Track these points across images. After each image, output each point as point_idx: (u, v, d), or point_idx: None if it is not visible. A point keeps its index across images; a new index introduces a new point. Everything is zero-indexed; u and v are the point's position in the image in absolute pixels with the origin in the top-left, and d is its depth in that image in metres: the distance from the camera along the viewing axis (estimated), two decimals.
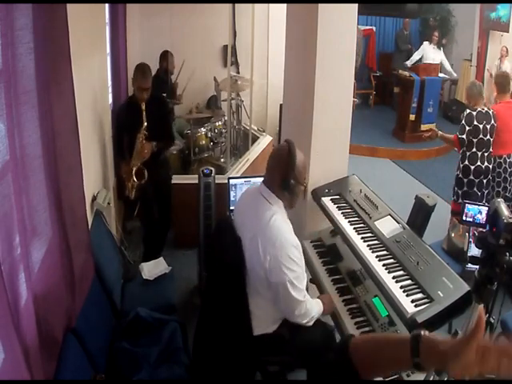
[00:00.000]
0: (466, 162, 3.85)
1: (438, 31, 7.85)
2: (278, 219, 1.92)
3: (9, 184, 1.39)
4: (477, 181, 3.86)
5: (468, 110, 3.83)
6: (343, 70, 2.87)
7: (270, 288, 1.93)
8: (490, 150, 3.85)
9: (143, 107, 3.26)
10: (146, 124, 3.27)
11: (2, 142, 1.32)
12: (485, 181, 3.89)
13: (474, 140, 3.79)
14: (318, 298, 2.22)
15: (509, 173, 3.94)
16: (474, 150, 3.82)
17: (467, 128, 3.78)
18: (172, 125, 3.99)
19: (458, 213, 3.88)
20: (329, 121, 2.90)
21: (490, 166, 3.88)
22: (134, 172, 3.34)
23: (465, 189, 3.88)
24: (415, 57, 7.72)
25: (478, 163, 3.83)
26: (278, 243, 1.86)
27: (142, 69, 3.34)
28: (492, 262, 1.43)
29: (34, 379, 1.46)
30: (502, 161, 3.93)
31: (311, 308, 2.02)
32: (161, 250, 3.66)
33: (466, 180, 3.88)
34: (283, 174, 1.93)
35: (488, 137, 3.80)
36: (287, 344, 2.11)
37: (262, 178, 2.04)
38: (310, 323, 2.05)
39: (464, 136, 3.80)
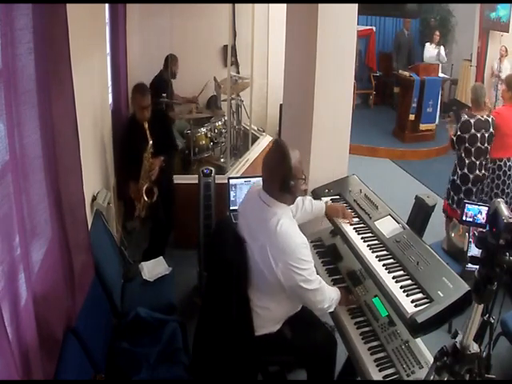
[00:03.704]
0: (465, 171, 3.80)
1: (438, 31, 7.86)
2: (285, 223, 1.90)
3: (9, 184, 1.39)
4: (474, 189, 3.85)
5: (465, 117, 3.74)
6: (343, 70, 2.87)
7: (282, 290, 1.94)
8: (487, 156, 3.82)
9: (146, 126, 3.27)
10: (151, 142, 3.28)
11: (1, 142, 1.32)
12: (480, 187, 3.89)
13: (472, 149, 3.74)
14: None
15: (508, 176, 3.93)
16: (473, 158, 3.77)
17: (459, 133, 3.75)
18: (174, 135, 3.99)
19: (448, 214, 3.91)
20: (329, 121, 2.90)
21: (487, 174, 3.87)
22: (144, 191, 3.35)
23: (461, 196, 3.84)
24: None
25: (477, 172, 3.80)
26: (288, 249, 1.86)
27: (140, 88, 3.36)
28: (492, 262, 1.43)
29: (33, 379, 1.47)
30: (502, 163, 3.90)
31: (329, 291, 2.06)
32: (163, 251, 3.65)
33: (464, 188, 3.84)
34: (281, 177, 1.89)
35: (486, 145, 3.76)
36: (288, 343, 2.12)
37: (261, 178, 2.03)
38: (332, 308, 2.09)
39: (455, 139, 3.79)
